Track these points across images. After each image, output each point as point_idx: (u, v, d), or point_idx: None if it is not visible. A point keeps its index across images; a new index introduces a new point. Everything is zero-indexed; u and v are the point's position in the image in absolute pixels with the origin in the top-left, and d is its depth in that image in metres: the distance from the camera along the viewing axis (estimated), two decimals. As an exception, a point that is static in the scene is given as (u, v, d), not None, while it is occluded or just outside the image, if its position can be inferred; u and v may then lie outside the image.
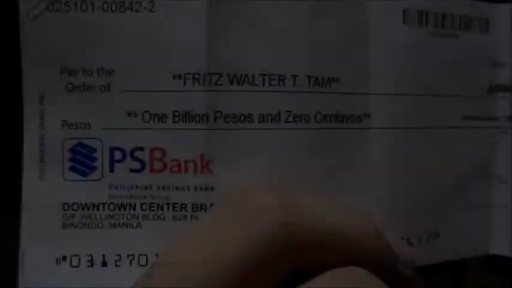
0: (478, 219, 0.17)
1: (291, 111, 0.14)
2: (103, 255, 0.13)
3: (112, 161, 0.13)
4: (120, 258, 0.13)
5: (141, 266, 0.13)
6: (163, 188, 0.13)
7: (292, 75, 0.14)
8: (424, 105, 0.15)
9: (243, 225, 0.11)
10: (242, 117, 0.13)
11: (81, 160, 0.13)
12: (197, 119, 0.13)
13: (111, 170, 0.13)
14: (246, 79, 0.13)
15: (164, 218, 0.13)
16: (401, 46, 0.15)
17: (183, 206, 0.13)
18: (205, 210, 0.13)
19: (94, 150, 0.13)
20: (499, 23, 0.16)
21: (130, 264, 0.13)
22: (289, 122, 0.14)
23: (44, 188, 0.13)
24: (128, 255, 0.13)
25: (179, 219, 0.13)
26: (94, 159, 0.13)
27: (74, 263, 0.13)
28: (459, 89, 0.16)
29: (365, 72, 0.15)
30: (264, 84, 0.13)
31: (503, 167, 0.17)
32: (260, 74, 0.13)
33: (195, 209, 0.13)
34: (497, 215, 0.17)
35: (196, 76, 0.13)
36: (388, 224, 0.15)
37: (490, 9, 0.16)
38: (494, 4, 0.16)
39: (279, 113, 0.13)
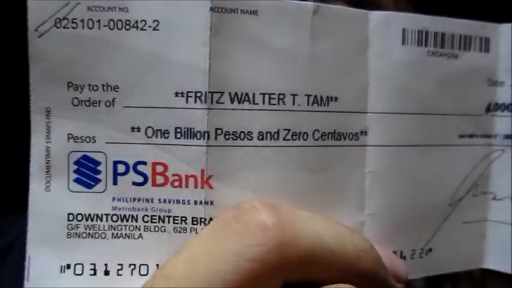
0: (471, 235, 0.17)
1: (289, 129, 0.14)
2: (105, 265, 0.14)
3: (115, 174, 0.14)
4: (122, 267, 0.14)
5: (142, 275, 0.14)
6: (165, 201, 0.14)
7: (291, 94, 0.14)
8: (422, 123, 0.16)
9: (240, 242, 0.11)
10: (242, 134, 0.14)
11: (86, 172, 0.14)
12: (198, 135, 0.13)
13: (115, 182, 0.14)
14: (247, 98, 0.14)
15: (165, 230, 0.14)
16: (400, 66, 0.15)
17: (184, 219, 0.14)
18: (205, 224, 0.14)
19: (98, 163, 0.14)
20: (500, 42, 0.17)
21: (132, 273, 0.14)
22: (288, 139, 0.14)
23: (49, 198, 0.14)
24: (130, 265, 0.14)
25: (179, 232, 0.14)
26: (98, 172, 0.14)
27: (78, 271, 0.14)
28: (457, 108, 0.16)
29: (363, 91, 0.15)
30: (264, 103, 0.14)
31: (499, 184, 0.17)
32: (260, 93, 0.14)
33: (194, 223, 0.14)
34: (491, 231, 0.17)
35: (198, 94, 0.13)
36: (381, 238, 0.15)
37: (491, 29, 0.16)
38: (495, 24, 0.16)
39: (278, 131, 0.14)
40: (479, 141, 0.17)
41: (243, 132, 0.14)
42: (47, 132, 0.14)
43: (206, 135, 0.13)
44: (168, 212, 0.14)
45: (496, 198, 0.17)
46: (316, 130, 0.14)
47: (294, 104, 0.14)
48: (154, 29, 0.13)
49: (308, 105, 0.14)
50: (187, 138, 0.13)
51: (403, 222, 0.16)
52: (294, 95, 0.14)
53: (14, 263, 0.28)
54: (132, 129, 0.14)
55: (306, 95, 0.14)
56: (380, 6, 0.24)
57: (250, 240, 0.11)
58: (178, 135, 0.13)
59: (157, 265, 0.14)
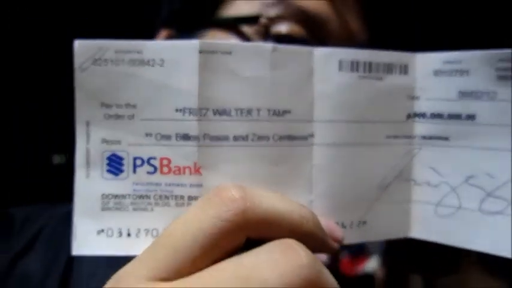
0: (398, 212, 0.23)
1: (255, 134, 0.20)
2: (128, 229, 0.20)
3: (134, 166, 0.20)
4: (139, 231, 0.20)
5: (154, 237, 0.20)
6: (169, 184, 0.20)
7: (257, 109, 0.20)
8: (356, 128, 0.21)
9: (217, 209, 0.17)
10: (222, 137, 0.19)
11: (114, 165, 0.20)
12: (191, 139, 0.19)
13: (134, 172, 0.20)
14: (225, 112, 0.19)
15: (169, 205, 0.20)
16: (337, 87, 0.21)
17: (182, 197, 0.20)
18: (196, 200, 0.19)
19: (122, 158, 0.20)
20: (416, 67, 0.22)
21: (146, 235, 0.20)
22: (254, 141, 0.20)
23: (89, 183, 0.20)
24: (145, 230, 0.20)
25: (180, 206, 0.20)
26: (122, 165, 0.20)
27: (109, 234, 0.20)
28: (384, 116, 0.22)
29: (310, 105, 0.21)
30: (237, 115, 0.20)
31: (418, 173, 0.22)
32: (234, 109, 0.19)
33: (190, 199, 0.20)
34: (414, 208, 0.23)
35: (191, 110, 0.19)
36: (326, 212, 0.21)
37: (409, 57, 0.22)
38: (412, 53, 0.22)
39: (247, 135, 0.20)
40: (402, 141, 0.22)
41: (223, 136, 0.19)
42: (87, 137, 0.20)
43: (197, 138, 0.19)
44: (171, 192, 0.20)
45: (417, 184, 0.22)
46: (275, 134, 0.20)
47: (258, 115, 0.20)
48: (160, 66, 0.19)
49: (269, 116, 0.20)
50: (184, 140, 0.19)
51: (342, 201, 0.21)
52: (259, 109, 0.20)
53: (43, 246, 0.34)
54: (146, 134, 0.19)
55: (267, 109, 0.20)
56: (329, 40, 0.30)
57: (224, 208, 0.17)
58: (178, 138, 0.19)
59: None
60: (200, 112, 0.19)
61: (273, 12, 0.31)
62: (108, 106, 0.19)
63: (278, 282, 0.16)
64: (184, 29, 0.35)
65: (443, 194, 0.22)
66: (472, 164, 0.21)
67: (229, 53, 0.19)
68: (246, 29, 0.31)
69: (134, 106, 0.19)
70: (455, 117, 0.21)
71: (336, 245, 0.20)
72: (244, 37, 0.31)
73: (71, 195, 0.20)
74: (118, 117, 0.19)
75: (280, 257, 0.16)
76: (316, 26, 0.31)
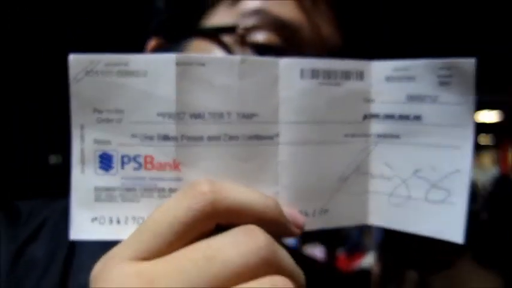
0: (357, 201, 0.26)
1: (227, 134, 0.23)
2: (117, 217, 0.23)
3: (122, 163, 0.23)
4: (127, 219, 0.23)
5: (139, 224, 0.23)
6: (152, 179, 0.23)
7: (227, 113, 0.23)
8: (317, 128, 0.24)
9: (190, 201, 0.20)
10: (197, 138, 0.22)
11: (105, 162, 0.23)
12: (171, 139, 0.22)
13: (122, 168, 0.23)
14: (199, 116, 0.22)
15: (153, 196, 0.23)
16: (299, 92, 0.24)
17: (163, 189, 0.23)
18: (176, 192, 0.22)
19: (112, 156, 0.23)
20: (371, 73, 0.25)
21: (133, 222, 0.23)
22: (226, 141, 0.23)
23: (83, 178, 0.23)
24: (132, 218, 0.23)
25: (162, 197, 0.23)
26: (112, 162, 0.23)
27: (101, 222, 0.23)
28: (342, 118, 0.25)
29: (275, 109, 0.24)
30: (210, 119, 0.23)
31: (374, 167, 0.25)
32: (208, 113, 0.23)
33: (170, 191, 0.23)
34: (370, 199, 0.26)
35: (170, 114, 0.22)
36: (291, 202, 0.24)
37: (365, 65, 0.25)
38: (368, 61, 0.25)
39: (220, 136, 0.23)
40: (359, 139, 0.25)
41: (198, 136, 0.22)
42: (81, 139, 0.23)
43: (175, 138, 0.22)
44: (155, 185, 0.23)
45: (372, 177, 0.25)
46: (244, 134, 0.23)
47: (229, 118, 0.23)
48: (144, 76, 0.22)
49: (238, 119, 0.23)
50: (164, 140, 0.22)
51: (305, 192, 0.24)
52: (229, 113, 0.23)
53: (47, 236, 0.38)
54: (132, 135, 0.23)
55: (236, 113, 0.23)
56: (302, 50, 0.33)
57: (196, 199, 0.20)
58: (159, 138, 0.22)
59: (149, 218, 0.23)
60: (178, 116, 0.22)
61: (250, 22, 0.34)
62: (99, 111, 0.23)
63: (239, 260, 0.19)
64: (171, 39, 0.38)
65: (395, 186, 0.25)
66: (419, 159, 0.24)
67: (203, 64, 0.22)
68: (226, 38, 0.34)
69: (122, 111, 0.23)
70: (404, 117, 0.24)
71: (297, 230, 0.23)
72: (224, 46, 0.34)
73: (67, 191, 0.23)
74: (108, 121, 0.23)
75: (242, 240, 0.19)
76: (291, 33, 0.34)
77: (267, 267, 0.19)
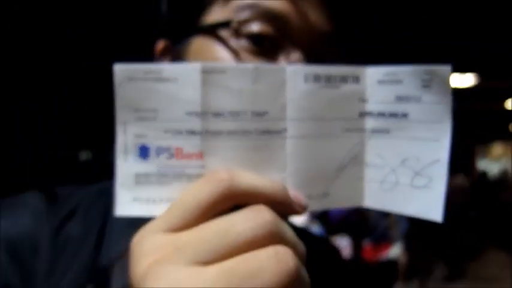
0: (354, 187, 0.30)
1: (242, 129, 0.27)
2: (153, 198, 0.28)
3: (157, 153, 0.28)
4: (161, 199, 0.28)
5: (171, 203, 0.28)
6: (181, 166, 0.28)
7: (243, 111, 0.27)
8: (319, 124, 0.29)
9: (211, 185, 0.25)
10: (218, 133, 0.27)
11: (143, 152, 0.28)
12: (196, 133, 0.27)
13: (157, 157, 0.28)
14: (220, 114, 0.27)
15: (182, 181, 0.28)
16: (304, 94, 0.28)
17: (191, 175, 0.28)
18: (200, 177, 0.27)
19: (149, 148, 0.28)
20: (366, 77, 0.29)
21: (165, 202, 0.28)
22: (242, 135, 0.27)
23: (126, 165, 0.28)
24: (165, 198, 0.28)
25: (189, 182, 0.28)
26: (149, 152, 0.28)
27: (140, 201, 0.28)
28: (341, 115, 0.29)
29: (283, 108, 0.28)
30: (229, 117, 0.27)
31: (369, 157, 0.30)
32: (227, 112, 0.27)
33: (196, 177, 0.28)
34: (364, 184, 0.30)
35: (196, 113, 0.27)
36: (296, 187, 0.29)
37: (360, 70, 0.29)
38: (362, 67, 0.29)
39: (236, 131, 0.27)
40: (355, 133, 0.30)
41: (219, 131, 0.27)
42: (124, 134, 0.28)
43: (200, 133, 0.27)
44: (183, 172, 0.28)
45: (367, 166, 0.30)
46: (256, 130, 0.28)
47: (244, 116, 0.27)
48: (175, 82, 0.27)
49: (252, 117, 0.28)
50: (191, 135, 0.27)
51: (309, 178, 0.29)
52: (245, 112, 0.27)
53: (82, 214, 0.43)
54: (165, 131, 0.27)
55: (250, 112, 0.28)
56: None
57: (216, 184, 0.25)
58: (187, 133, 0.27)
59: (179, 198, 0.28)
60: (202, 115, 0.27)
61: (243, 15, 0.38)
62: (138, 111, 0.28)
63: (249, 233, 0.24)
64: (175, 39, 0.43)
65: (386, 173, 0.29)
66: (406, 151, 0.28)
67: (223, 72, 0.27)
68: (223, 32, 0.39)
69: (157, 111, 0.27)
70: (393, 115, 0.29)
71: (301, 210, 0.28)
72: (221, 39, 0.39)
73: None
74: (145, 119, 0.28)
75: (252, 217, 0.24)
76: (281, 23, 0.38)
77: (272, 238, 0.24)
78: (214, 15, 0.40)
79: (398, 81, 0.28)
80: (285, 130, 0.28)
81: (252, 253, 0.23)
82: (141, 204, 0.28)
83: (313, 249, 0.28)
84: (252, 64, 0.28)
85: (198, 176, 0.28)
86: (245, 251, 0.23)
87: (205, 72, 0.27)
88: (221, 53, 0.39)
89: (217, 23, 0.39)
